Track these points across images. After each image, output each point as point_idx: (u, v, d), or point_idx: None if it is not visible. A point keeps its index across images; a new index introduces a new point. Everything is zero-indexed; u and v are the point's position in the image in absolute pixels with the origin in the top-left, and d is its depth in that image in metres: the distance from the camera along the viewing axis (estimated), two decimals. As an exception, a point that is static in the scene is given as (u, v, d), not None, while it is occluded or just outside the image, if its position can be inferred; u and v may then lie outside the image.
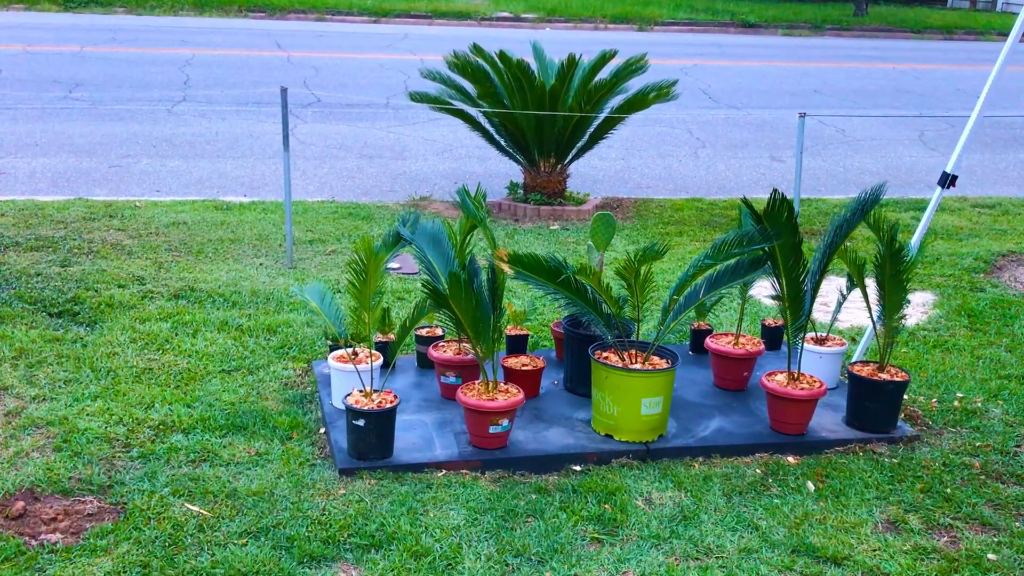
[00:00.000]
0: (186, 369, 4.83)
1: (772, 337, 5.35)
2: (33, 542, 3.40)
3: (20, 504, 3.59)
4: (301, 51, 16.88)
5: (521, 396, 4.18)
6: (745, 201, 4.27)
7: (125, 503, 3.66)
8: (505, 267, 4.11)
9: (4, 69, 13.64)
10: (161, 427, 4.24)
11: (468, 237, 4.43)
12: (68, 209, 7.63)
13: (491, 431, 4.08)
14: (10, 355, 4.86)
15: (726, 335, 5.03)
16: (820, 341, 4.89)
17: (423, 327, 4.99)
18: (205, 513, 3.61)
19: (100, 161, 9.40)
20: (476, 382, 4.26)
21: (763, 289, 6.02)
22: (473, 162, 10.09)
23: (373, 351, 4.38)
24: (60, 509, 3.61)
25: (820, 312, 5.75)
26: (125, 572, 3.25)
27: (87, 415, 4.31)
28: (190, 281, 6.07)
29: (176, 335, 5.24)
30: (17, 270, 6.08)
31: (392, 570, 3.34)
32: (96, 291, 5.80)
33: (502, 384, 4.27)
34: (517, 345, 4.96)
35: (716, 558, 3.51)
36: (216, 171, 9.29)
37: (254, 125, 11.18)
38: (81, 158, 9.45)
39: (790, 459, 4.24)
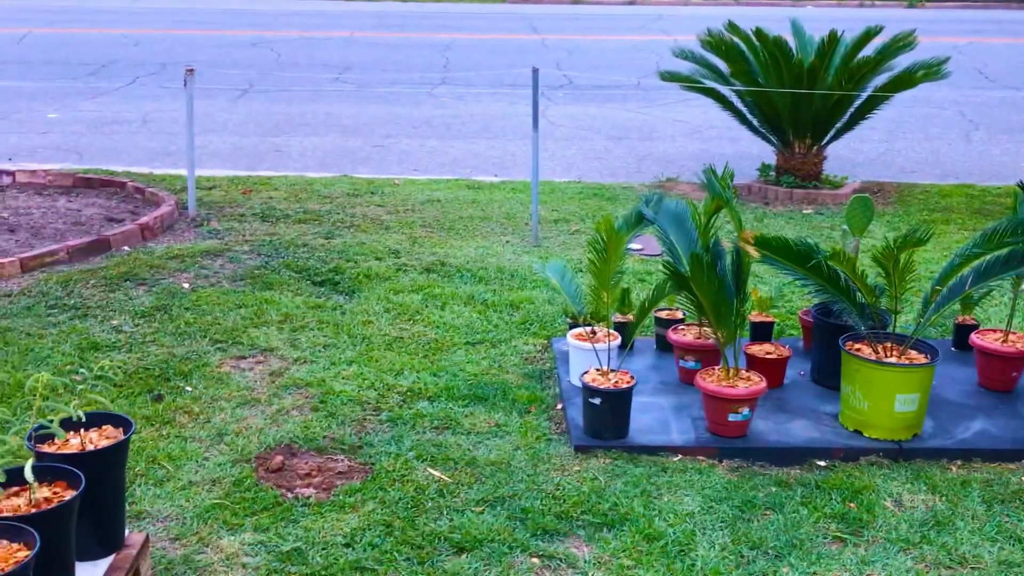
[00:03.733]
0: (434, 340, 5.02)
1: (1048, 336, 4.90)
2: (289, 495, 3.64)
3: (279, 458, 3.85)
4: (555, 34, 17.10)
5: (763, 384, 4.04)
6: (1021, 185, 3.92)
7: (373, 464, 3.84)
8: (751, 250, 3.98)
9: (283, 53, 14.67)
10: (409, 394, 4.42)
11: (713, 219, 4.32)
12: (334, 185, 8.10)
13: (730, 419, 3.97)
14: (277, 319, 5.21)
15: (994, 331, 4.65)
16: (1105, 343, 4.43)
17: (662, 309, 4.92)
18: (446, 479, 3.73)
19: (364, 141, 9.92)
20: (716, 368, 4.16)
21: (1039, 283, 5.53)
22: (723, 143, 9.86)
23: (611, 331, 4.37)
24: (314, 465, 3.84)
25: (1107, 311, 5.21)
26: (370, 530, 3.41)
27: (342, 379, 4.56)
28: (441, 256, 6.30)
29: (426, 307, 5.45)
30: (286, 241, 6.52)
31: (624, 551, 3.32)
32: (355, 262, 6.12)
33: (743, 371, 4.14)
34: (761, 332, 4.80)
35: (971, 569, 3.25)
36: (469, 151, 9.57)
37: (507, 107, 11.43)
38: (347, 138, 10.01)
39: (1063, 469, 3.87)
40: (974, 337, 4.61)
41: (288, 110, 11.19)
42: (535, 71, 6.60)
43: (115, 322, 5.12)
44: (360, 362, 4.74)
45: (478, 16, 20.21)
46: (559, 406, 4.34)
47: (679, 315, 4.88)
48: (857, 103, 7.85)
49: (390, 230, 6.89)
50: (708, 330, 4.45)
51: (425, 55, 14.78)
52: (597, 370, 4.09)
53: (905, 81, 7.56)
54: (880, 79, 7.71)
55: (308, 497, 3.62)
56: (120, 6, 21.39)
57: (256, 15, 19.74)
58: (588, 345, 4.26)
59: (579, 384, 4.12)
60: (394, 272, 5.99)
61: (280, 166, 8.89)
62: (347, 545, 3.33)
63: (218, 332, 5.02)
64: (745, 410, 3.98)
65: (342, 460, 3.88)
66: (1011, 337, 4.55)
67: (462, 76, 13.16)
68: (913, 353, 4.11)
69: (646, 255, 6.46)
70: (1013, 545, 3.37)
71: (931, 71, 7.43)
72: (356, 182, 8.25)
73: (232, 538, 3.36)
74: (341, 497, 3.61)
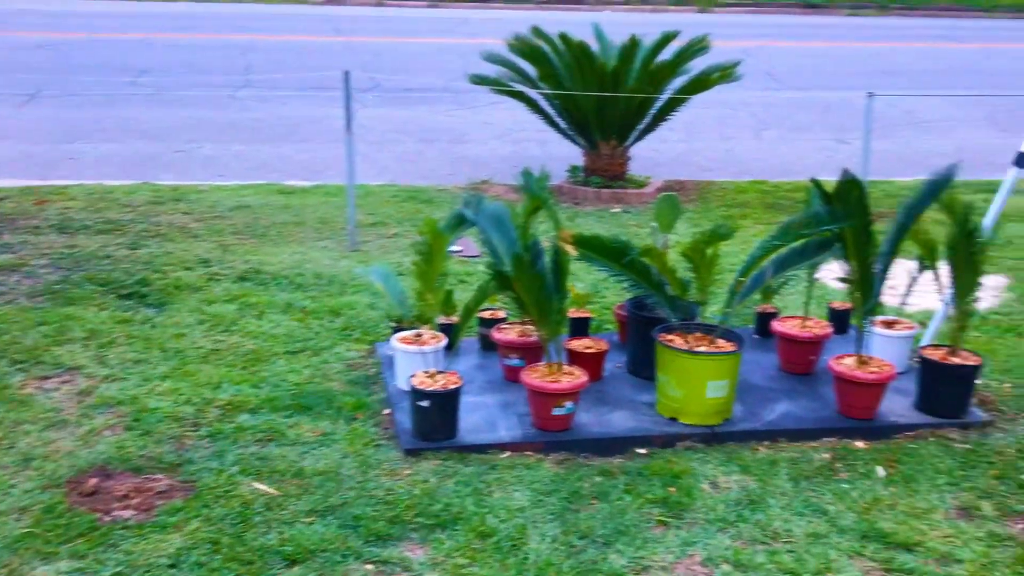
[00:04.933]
0: (252, 350, 4.89)
1: (839, 320, 5.26)
2: (106, 518, 3.47)
3: (93, 481, 3.67)
4: (360, 36, 16.97)
5: (585, 378, 4.16)
6: (815, 181, 4.20)
7: (195, 481, 3.71)
8: (569, 248, 4.09)
9: (72, 56, 13.91)
10: (229, 407, 4.30)
11: (531, 219, 4.41)
12: (136, 193, 7.76)
13: (555, 413, 4.07)
14: (81, 335, 4.95)
15: (792, 318, 4.96)
16: (889, 324, 4.80)
17: (485, 309, 4.98)
18: (273, 492, 3.65)
19: (166, 146, 9.55)
20: (540, 364, 4.25)
21: (830, 272, 5.92)
22: (532, 145, 10.06)
23: (437, 333, 4.39)
24: (132, 486, 3.68)
25: (888, 295, 5.62)
26: (195, 549, 3.30)
27: (156, 395, 4.38)
28: (255, 263, 6.15)
29: (242, 316, 5.31)
30: (87, 252, 6.20)
31: (458, 550, 3.35)
32: (163, 273, 5.89)
33: (566, 366, 4.25)
34: (579, 328, 4.93)
35: (784, 542, 3.46)
36: (278, 155, 9.38)
37: (315, 110, 11.26)
38: (147, 143, 9.61)
39: (859, 444, 4.17)
40: (775, 324, 4.89)
41: (81, 115, 10.63)
42: (346, 74, 6.54)
43: (-102, 346, 4.74)
44: (175, 377, 4.57)
45: (278, 17, 19.79)
46: (386, 411, 4.32)
47: (501, 314, 4.96)
48: (658, 105, 8.18)
49: (199, 238, 6.67)
50: (531, 328, 4.54)
51: (226, 57, 14.36)
52: (424, 372, 4.10)
53: (701, 83, 7.94)
54: (678, 81, 8.07)
55: (127, 519, 3.46)
56: None
57: (40, 15, 18.63)
58: (414, 348, 4.27)
59: (406, 388, 4.12)
60: (206, 282, 5.80)
61: (75, 174, 8.44)
62: (172, 566, 3.21)
63: (18, 352, 4.72)
64: (568, 404, 4.08)
65: (161, 479, 3.73)
66: (808, 323, 4.86)
67: (266, 78, 12.86)
68: (721, 341, 4.33)
69: (466, 257, 6.52)
70: (819, 518, 3.61)
71: (725, 73, 7.84)
72: (159, 189, 7.93)
73: (47, 567, 3.17)
74: (163, 517, 3.47)
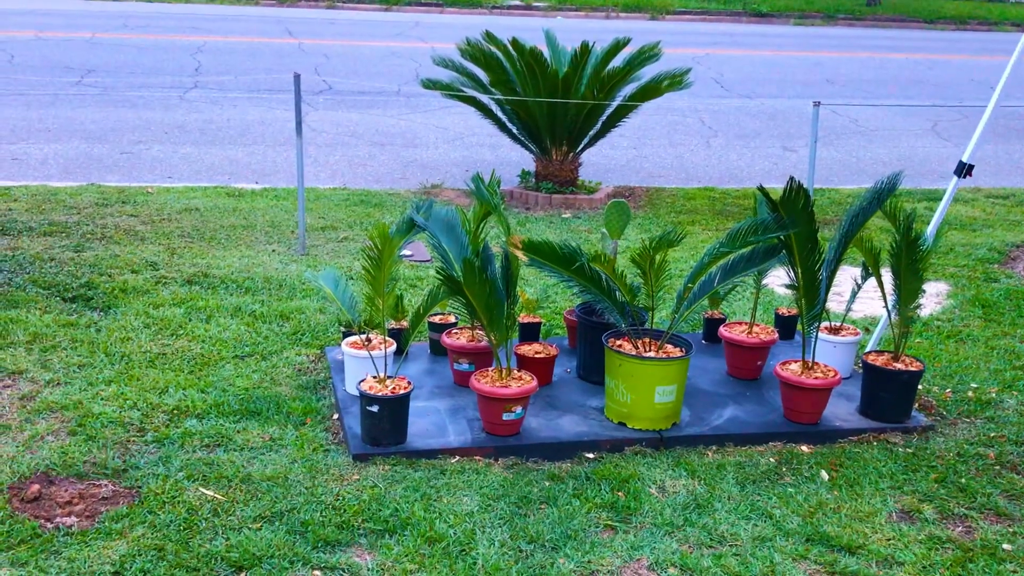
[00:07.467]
0: (200, 354, 4.84)
1: (786, 326, 5.34)
2: (48, 525, 3.41)
3: (35, 487, 3.61)
4: (312, 38, 16.86)
5: (534, 383, 4.17)
6: (762, 189, 4.25)
7: (140, 487, 3.67)
8: (519, 254, 4.10)
9: (16, 55, 13.66)
10: (175, 412, 4.25)
11: (482, 224, 4.43)
12: (81, 195, 7.64)
13: (504, 418, 4.08)
14: (24, 339, 4.87)
15: (740, 324, 5.02)
16: (834, 330, 4.88)
17: (436, 314, 4.99)
18: (219, 497, 3.62)
19: (112, 147, 9.41)
20: (489, 369, 4.26)
21: (776, 278, 6.00)
22: (484, 150, 10.07)
23: (387, 337, 4.38)
24: (75, 492, 3.62)
25: (834, 302, 5.72)
26: (140, 555, 3.26)
27: (101, 399, 4.32)
28: (203, 267, 6.08)
29: (189, 320, 5.25)
30: (31, 255, 6.09)
31: (406, 555, 3.34)
32: (110, 276, 5.81)
33: (515, 371, 4.26)
34: (530, 333, 4.95)
35: (730, 546, 3.50)
36: (227, 158, 9.29)
37: (265, 112, 11.17)
38: (93, 144, 9.46)
39: (804, 448, 4.23)
40: (722, 330, 4.95)
41: (25, 115, 10.44)
42: (297, 76, 6.50)
43: None
44: (120, 381, 4.51)
45: (229, 18, 19.60)
46: (335, 416, 4.30)
47: (452, 319, 4.96)
48: (608, 112, 8.23)
49: (146, 241, 6.59)
50: (481, 333, 4.54)
51: (175, 58, 14.19)
52: (374, 377, 4.08)
53: (652, 91, 8.00)
54: (629, 88, 8.12)
55: (70, 526, 3.41)
56: None
57: (-17, 12, 18.28)
58: (364, 353, 4.26)
59: (356, 393, 4.11)
60: (153, 285, 5.73)
61: (19, 175, 8.28)
62: (116, 573, 3.17)
63: (-43, 356, 4.63)
64: (518, 409, 4.09)
65: (106, 485, 3.68)
66: (755, 329, 4.93)
67: (216, 80, 12.73)
68: (669, 347, 4.37)
69: (416, 261, 6.51)
70: (765, 522, 3.66)
71: (675, 81, 7.90)
72: (105, 191, 7.82)
73: (-14, 577, 3.12)
74: (107, 524, 3.43)
